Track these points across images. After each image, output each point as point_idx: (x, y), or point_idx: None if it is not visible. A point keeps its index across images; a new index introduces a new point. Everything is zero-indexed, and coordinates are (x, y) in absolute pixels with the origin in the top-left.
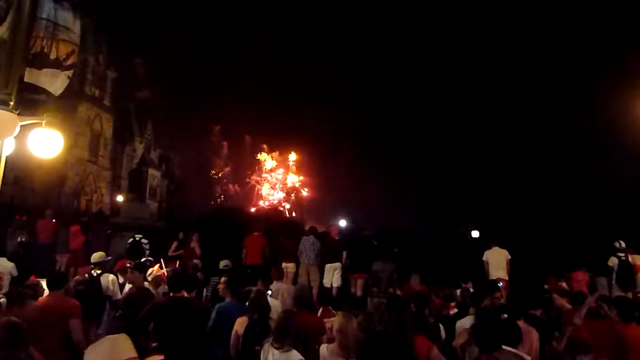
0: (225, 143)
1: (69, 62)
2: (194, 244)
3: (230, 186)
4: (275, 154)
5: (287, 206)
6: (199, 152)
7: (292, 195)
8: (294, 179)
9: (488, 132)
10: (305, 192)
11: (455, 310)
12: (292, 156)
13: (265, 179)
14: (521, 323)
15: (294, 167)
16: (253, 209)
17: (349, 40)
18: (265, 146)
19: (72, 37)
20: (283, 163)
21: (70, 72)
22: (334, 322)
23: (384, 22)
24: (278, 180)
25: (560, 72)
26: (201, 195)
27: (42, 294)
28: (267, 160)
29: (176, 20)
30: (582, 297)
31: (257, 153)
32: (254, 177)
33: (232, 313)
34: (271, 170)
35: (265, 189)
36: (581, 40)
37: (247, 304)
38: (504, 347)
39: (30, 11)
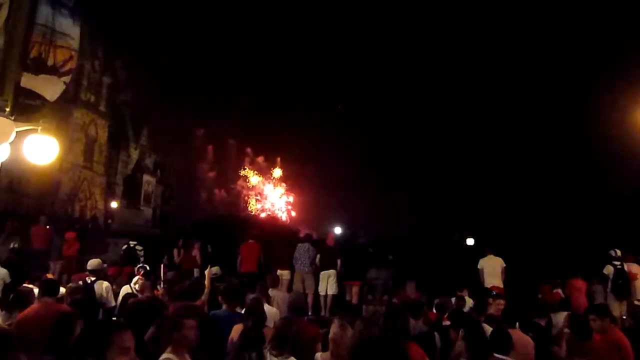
0: (210, 147)
1: (66, 68)
2: (195, 252)
3: (217, 191)
4: (260, 159)
5: (282, 215)
6: (194, 159)
7: (282, 197)
8: (281, 191)
9: (483, 140)
10: (290, 205)
11: (448, 322)
12: (277, 172)
13: (254, 187)
14: (516, 332)
15: (280, 177)
16: (247, 216)
17: (343, 44)
18: (249, 150)
19: (70, 43)
20: (268, 171)
21: (67, 78)
22: (330, 330)
23: (377, 28)
24: (264, 189)
25: (555, 79)
26: (196, 202)
27: (34, 301)
28: (252, 176)
29: (172, 23)
30: (567, 304)
31: (243, 157)
32: (240, 182)
33: (223, 321)
34: (254, 188)
35: (253, 200)
36: (579, 47)
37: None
38: (495, 355)
39: (28, 17)
